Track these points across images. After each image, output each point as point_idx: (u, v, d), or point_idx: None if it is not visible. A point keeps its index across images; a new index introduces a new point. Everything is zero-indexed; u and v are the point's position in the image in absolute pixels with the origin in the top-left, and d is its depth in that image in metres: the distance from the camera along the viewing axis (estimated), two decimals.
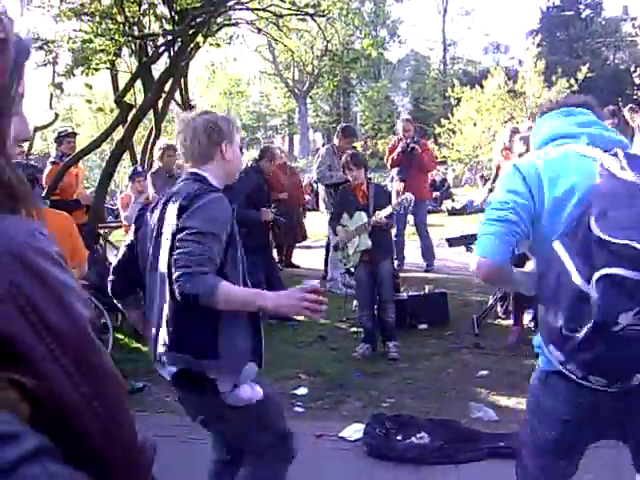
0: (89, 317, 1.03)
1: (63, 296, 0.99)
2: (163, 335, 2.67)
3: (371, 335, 6.49)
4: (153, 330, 2.76)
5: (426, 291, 7.59)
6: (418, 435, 4.45)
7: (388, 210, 6.27)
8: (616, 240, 1.85)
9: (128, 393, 5.45)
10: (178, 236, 2.56)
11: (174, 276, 2.49)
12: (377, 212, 6.29)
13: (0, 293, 0.92)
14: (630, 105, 10.09)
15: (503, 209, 2.28)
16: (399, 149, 9.74)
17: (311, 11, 11.25)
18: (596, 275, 1.86)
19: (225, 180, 2.93)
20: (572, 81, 22.38)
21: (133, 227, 3.02)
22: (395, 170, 9.97)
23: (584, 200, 2.10)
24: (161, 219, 2.77)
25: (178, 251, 2.52)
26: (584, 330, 1.90)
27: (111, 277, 3.03)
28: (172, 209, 2.69)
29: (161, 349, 2.70)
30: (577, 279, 1.92)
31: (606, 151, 2.23)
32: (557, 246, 2.04)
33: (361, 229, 6.30)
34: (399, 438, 4.44)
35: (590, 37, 40.73)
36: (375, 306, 6.73)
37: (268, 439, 2.94)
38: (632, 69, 25.09)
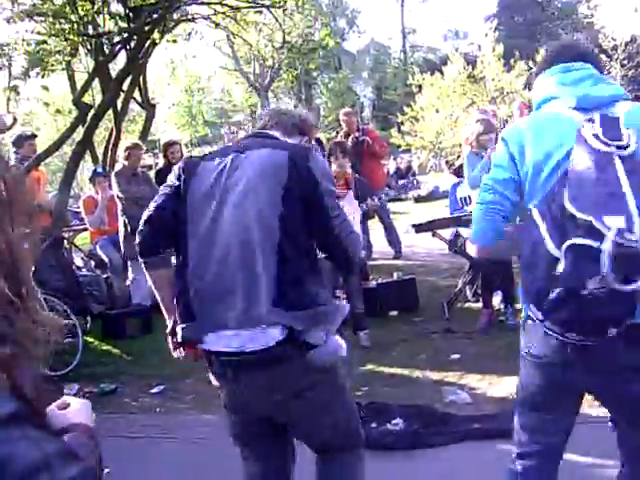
0: None
1: None
2: (260, 298, 2.39)
3: None
4: (207, 299, 2.45)
5: (395, 278, 7.61)
6: (393, 421, 4.46)
7: (389, 193, 6.39)
8: (582, 216, 1.98)
9: (100, 396, 5.43)
10: (326, 199, 2.49)
11: (345, 244, 2.58)
12: (370, 198, 6.32)
13: None
14: None
15: (485, 191, 2.43)
16: (350, 143, 9.57)
17: (268, 3, 11.19)
18: (566, 243, 1.99)
19: None
20: (531, 64, 22.57)
21: (175, 179, 2.61)
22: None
23: (560, 169, 2.21)
24: (237, 175, 2.48)
25: (336, 215, 2.52)
26: (555, 293, 2.03)
27: (142, 229, 2.62)
28: (270, 154, 2.52)
29: (259, 311, 2.38)
30: (550, 246, 2.04)
31: (591, 110, 2.29)
32: (535, 213, 2.15)
33: None
34: (374, 425, 4.45)
35: (547, 20, 41.13)
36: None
37: (355, 423, 2.76)
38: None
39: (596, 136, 2.14)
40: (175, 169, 2.66)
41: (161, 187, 2.67)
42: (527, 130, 2.40)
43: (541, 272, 2.08)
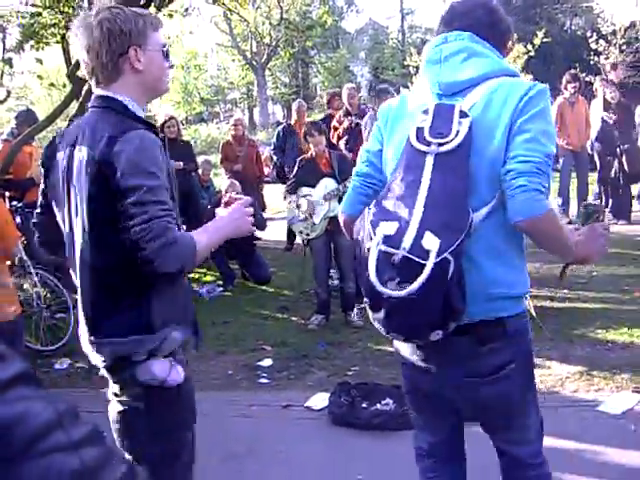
0: None
1: None
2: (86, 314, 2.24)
3: (324, 306, 6.50)
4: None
5: None
6: (383, 402, 4.46)
7: None
8: (370, 218, 2.05)
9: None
10: (125, 202, 2.00)
11: (143, 253, 1.98)
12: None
13: None
14: (603, 77, 10.14)
15: (364, 162, 2.38)
16: (345, 125, 9.31)
17: None
18: (368, 246, 2.01)
19: (144, 98, 2.32)
20: (529, 47, 22.48)
21: (42, 169, 2.42)
22: (342, 143, 9.69)
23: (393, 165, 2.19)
24: (69, 171, 2.20)
25: (135, 221, 1.98)
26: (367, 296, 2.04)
27: (36, 235, 2.49)
28: (83, 161, 2.13)
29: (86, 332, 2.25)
30: (363, 243, 2.08)
31: (440, 95, 2.16)
32: (367, 210, 2.18)
33: (331, 195, 6.26)
34: (364, 406, 4.45)
35: (546, 3, 40.83)
36: (333, 277, 6.77)
37: (165, 447, 2.27)
38: (588, 35, 25.27)
39: (420, 131, 2.04)
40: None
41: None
42: (392, 107, 2.33)
43: (361, 270, 2.09)
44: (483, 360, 2.16)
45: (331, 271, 6.91)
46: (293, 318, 6.80)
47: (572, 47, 35.39)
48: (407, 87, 25.54)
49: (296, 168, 6.68)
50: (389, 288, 1.91)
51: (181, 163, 8.50)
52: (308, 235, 6.47)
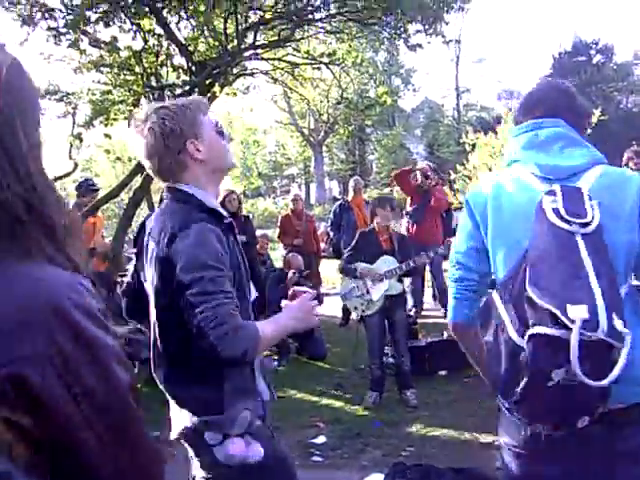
0: (129, 381, 0.97)
1: (103, 359, 0.94)
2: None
3: (379, 383, 6.41)
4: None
5: (445, 336, 7.50)
6: None
7: (439, 250, 6.49)
8: (543, 303, 1.84)
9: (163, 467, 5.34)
10: (187, 293, 2.08)
11: (208, 340, 2.04)
12: (422, 253, 6.34)
13: (39, 352, 0.88)
14: None
15: (452, 266, 2.34)
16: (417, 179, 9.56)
17: (326, 60, 11.40)
18: (528, 332, 1.86)
19: (216, 180, 2.42)
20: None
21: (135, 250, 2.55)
22: (409, 210, 9.86)
23: (518, 248, 2.06)
24: (142, 257, 2.35)
25: (199, 309, 2.06)
26: (521, 384, 1.88)
27: (123, 300, 2.64)
28: (152, 256, 2.25)
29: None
30: (513, 333, 1.92)
31: (560, 179, 2.13)
32: (495, 296, 2.06)
33: (392, 273, 6.24)
34: None
35: (602, 82, 40.92)
36: (389, 353, 6.70)
37: None
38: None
39: (557, 211, 1.97)
40: None
41: None
42: (489, 195, 2.24)
43: (505, 361, 1.95)
44: (617, 445, 2.09)
45: (386, 348, 6.84)
46: (347, 395, 6.72)
47: (628, 124, 35.24)
48: (463, 164, 25.69)
49: (356, 238, 6.66)
50: (587, 376, 1.78)
51: (244, 237, 8.64)
52: (364, 312, 6.42)
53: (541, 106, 2.33)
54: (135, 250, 2.50)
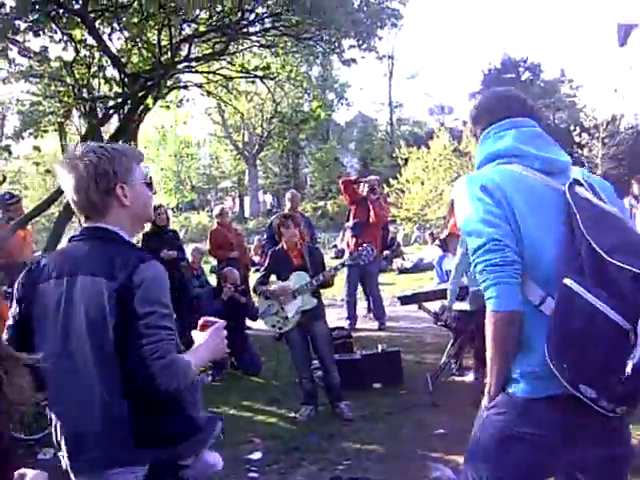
0: None
1: None
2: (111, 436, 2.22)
3: (311, 396, 6.40)
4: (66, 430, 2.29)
5: (379, 350, 7.54)
6: None
7: (345, 262, 6.48)
8: None
9: None
10: (139, 323, 2.12)
11: (148, 371, 2.09)
12: (329, 267, 6.36)
13: None
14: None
15: (499, 249, 2.18)
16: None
17: (260, 74, 11.42)
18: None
19: (134, 228, 2.45)
20: None
21: (16, 301, 2.40)
22: (350, 224, 9.95)
23: (571, 231, 2.13)
24: (69, 295, 2.25)
25: (146, 340, 2.11)
26: (629, 367, 1.92)
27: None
28: (94, 285, 2.20)
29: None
30: (616, 317, 1.94)
31: (555, 174, 2.28)
32: (572, 284, 2.03)
33: (304, 289, 6.25)
34: None
35: (530, 98, 42.03)
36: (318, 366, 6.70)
37: None
38: (572, 128, 25.98)
39: (600, 199, 2.15)
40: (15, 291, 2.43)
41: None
42: (503, 185, 2.26)
43: (604, 348, 1.97)
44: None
45: (316, 362, 6.82)
46: (283, 410, 6.69)
47: (556, 140, 36.06)
48: (396, 178, 26.01)
49: (267, 260, 6.68)
50: None
51: (175, 253, 8.54)
52: (281, 329, 6.42)
53: (518, 107, 2.48)
54: (19, 295, 2.38)
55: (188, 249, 9.94)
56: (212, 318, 2.49)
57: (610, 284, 1.96)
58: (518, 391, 2.26)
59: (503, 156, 2.37)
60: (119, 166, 2.30)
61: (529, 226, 2.20)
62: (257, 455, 5.47)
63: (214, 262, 11.00)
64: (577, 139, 25.41)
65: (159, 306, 2.20)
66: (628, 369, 1.92)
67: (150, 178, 2.47)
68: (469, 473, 2.47)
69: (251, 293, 9.26)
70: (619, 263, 1.94)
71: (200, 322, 2.49)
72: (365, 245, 6.52)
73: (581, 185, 2.19)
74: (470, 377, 6.72)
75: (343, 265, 6.83)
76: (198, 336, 2.43)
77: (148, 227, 9.30)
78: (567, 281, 2.03)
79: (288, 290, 6.27)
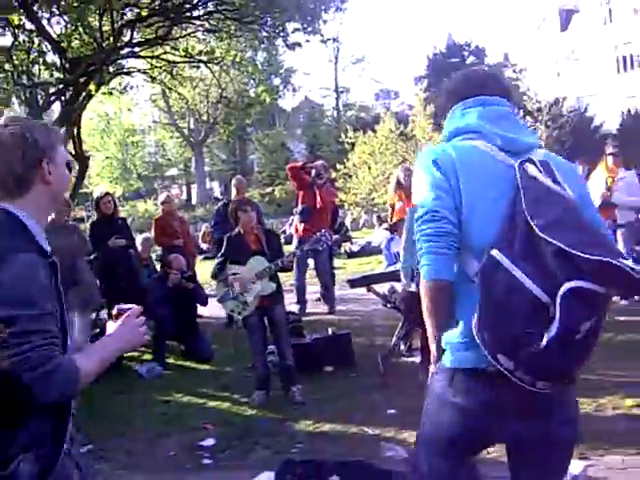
0: None
1: None
2: None
3: (264, 381, 6.41)
4: None
5: (330, 333, 7.58)
6: (330, 478, 4.38)
7: (304, 247, 6.50)
8: (584, 254, 1.91)
9: None
10: (6, 331, 1.89)
11: (21, 382, 1.87)
12: (287, 253, 6.35)
13: None
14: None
15: (438, 220, 2.23)
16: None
17: (205, 59, 11.30)
18: (564, 287, 1.93)
19: (49, 210, 2.30)
20: None
21: None
22: (299, 210, 9.93)
23: (498, 210, 2.17)
24: None
25: (14, 351, 1.88)
26: (545, 340, 1.95)
27: None
28: None
29: None
30: (535, 290, 1.98)
31: (517, 154, 2.30)
32: (497, 254, 2.07)
33: (263, 273, 6.24)
34: None
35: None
36: (272, 351, 6.71)
37: None
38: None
39: (552, 180, 2.17)
40: None
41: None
42: (455, 159, 2.30)
43: (522, 319, 2.00)
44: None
45: (270, 347, 6.83)
46: (235, 395, 6.68)
47: None
48: (343, 163, 26.06)
49: (224, 245, 6.60)
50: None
51: (124, 241, 8.41)
52: (239, 314, 6.41)
53: (491, 85, 2.50)
54: None
55: (137, 239, 9.80)
56: (126, 305, 2.29)
57: (537, 257, 2.00)
58: (447, 361, 2.32)
59: (466, 132, 2.41)
60: (46, 140, 2.16)
61: (474, 201, 2.24)
62: (210, 441, 5.45)
63: (160, 251, 10.88)
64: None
65: (26, 307, 1.92)
66: (543, 341, 1.96)
67: (70, 161, 2.36)
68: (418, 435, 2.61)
69: (197, 279, 9.23)
70: (548, 238, 1.97)
71: (114, 312, 2.32)
72: (323, 230, 6.55)
73: (534, 164, 2.22)
74: (419, 358, 6.81)
75: (302, 250, 6.85)
76: (110, 327, 2.25)
77: (95, 216, 9.16)
78: (494, 252, 2.08)
79: (245, 278, 6.24)
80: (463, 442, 2.35)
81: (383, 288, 7.22)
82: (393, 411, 5.75)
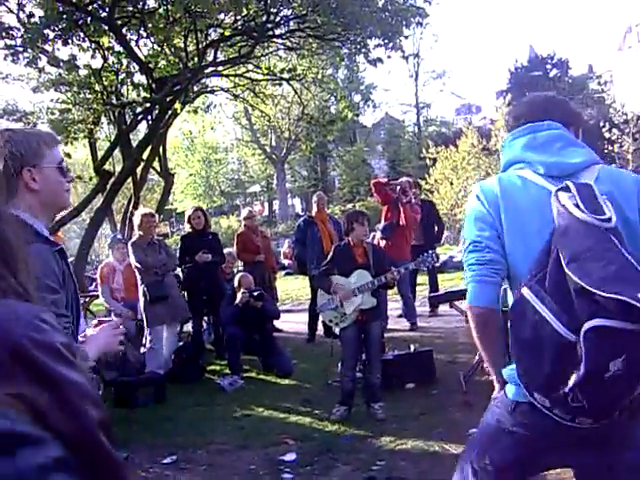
0: (98, 418, 0.88)
1: (69, 398, 0.85)
2: None
3: (350, 396, 6.37)
4: None
5: (411, 350, 7.51)
6: None
7: (409, 266, 6.50)
8: (602, 293, 1.81)
9: None
10: None
11: None
12: (392, 269, 6.31)
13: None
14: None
15: (479, 250, 2.27)
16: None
17: (287, 76, 11.44)
18: (585, 326, 1.84)
19: (44, 215, 2.34)
20: None
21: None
22: (380, 227, 9.91)
23: (537, 242, 2.12)
24: None
25: None
26: (573, 378, 1.89)
27: None
28: None
29: None
30: (560, 328, 1.91)
31: (563, 177, 2.22)
32: (526, 293, 2.03)
33: (365, 287, 6.22)
34: None
35: (558, 95, 41.70)
36: (359, 367, 6.66)
37: None
38: (601, 124, 25.68)
39: (577, 207, 2.03)
40: None
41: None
42: (498, 191, 2.30)
43: (551, 358, 1.94)
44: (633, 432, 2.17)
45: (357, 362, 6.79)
46: (316, 411, 6.68)
47: (585, 136, 35.75)
48: (424, 179, 25.88)
49: (332, 252, 6.61)
50: None
51: (209, 256, 8.52)
52: (337, 325, 6.40)
53: (535, 111, 2.46)
54: None
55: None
56: (106, 318, 2.55)
57: (565, 294, 1.93)
58: (507, 392, 2.31)
59: (515, 162, 2.40)
60: (27, 149, 2.22)
61: (516, 231, 2.24)
62: (291, 456, 5.46)
63: (241, 266, 11.03)
64: (607, 135, 25.07)
65: (46, 291, 2.07)
66: (570, 382, 1.89)
67: (66, 165, 2.38)
68: (465, 452, 2.58)
69: (277, 294, 9.29)
70: (570, 273, 1.91)
71: (94, 322, 2.51)
72: (430, 252, 6.58)
73: (568, 190, 2.11)
74: None
75: (406, 269, 6.83)
76: (89, 332, 2.42)
77: (187, 229, 9.34)
78: (524, 290, 2.04)
79: (348, 289, 6.25)
80: (515, 469, 2.33)
81: (464, 305, 7.11)
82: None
